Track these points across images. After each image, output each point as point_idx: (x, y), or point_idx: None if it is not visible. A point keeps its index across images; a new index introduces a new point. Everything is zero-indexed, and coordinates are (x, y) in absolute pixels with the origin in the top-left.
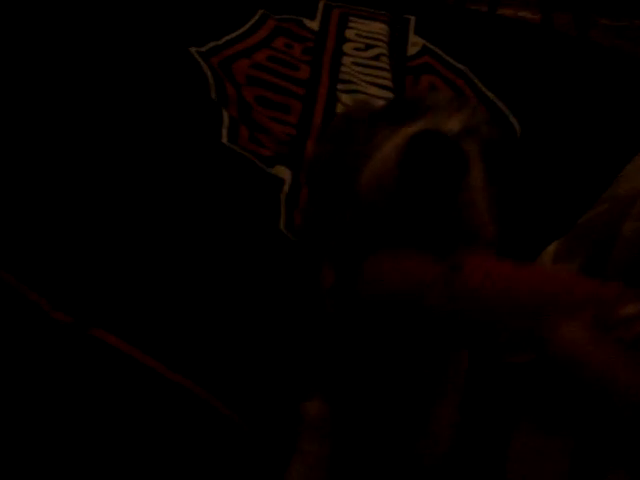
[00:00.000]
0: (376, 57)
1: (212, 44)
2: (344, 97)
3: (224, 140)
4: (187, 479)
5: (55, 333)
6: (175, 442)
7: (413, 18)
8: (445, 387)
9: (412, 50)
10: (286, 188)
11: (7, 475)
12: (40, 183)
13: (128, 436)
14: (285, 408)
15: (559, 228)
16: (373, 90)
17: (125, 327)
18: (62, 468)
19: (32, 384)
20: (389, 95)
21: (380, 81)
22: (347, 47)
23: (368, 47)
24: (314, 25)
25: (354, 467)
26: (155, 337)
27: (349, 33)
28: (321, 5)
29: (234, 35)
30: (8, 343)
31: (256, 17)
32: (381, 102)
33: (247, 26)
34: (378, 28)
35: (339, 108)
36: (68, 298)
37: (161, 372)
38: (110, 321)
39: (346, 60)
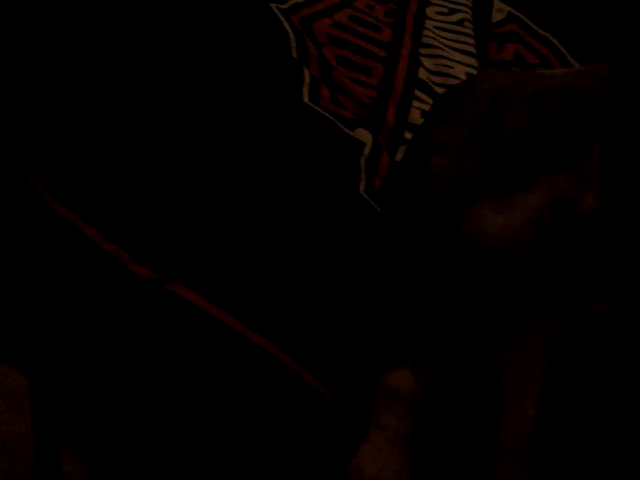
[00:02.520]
0: (460, 22)
1: (293, 1)
2: (426, 61)
3: (305, 99)
4: (262, 446)
5: (133, 287)
6: (252, 407)
7: None
8: (527, 364)
9: (497, 17)
10: (366, 151)
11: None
12: (125, 136)
13: (204, 397)
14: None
15: None
16: (456, 56)
17: (207, 284)
18: (137, 425)
19: (107, 339)
20: (472, 61)
21: (463, 47)
22: (430, 10)
23: (452, 11)
24: None
25: (435, 449)
26: (238, 296)
27: None
28: None
29: None
30: (83, 295)
31: None
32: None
33: None
34: None
35: (421, 72)
36: (148, 251)
37: (242, 332)
38: (191, 277)
39: (429, 24)
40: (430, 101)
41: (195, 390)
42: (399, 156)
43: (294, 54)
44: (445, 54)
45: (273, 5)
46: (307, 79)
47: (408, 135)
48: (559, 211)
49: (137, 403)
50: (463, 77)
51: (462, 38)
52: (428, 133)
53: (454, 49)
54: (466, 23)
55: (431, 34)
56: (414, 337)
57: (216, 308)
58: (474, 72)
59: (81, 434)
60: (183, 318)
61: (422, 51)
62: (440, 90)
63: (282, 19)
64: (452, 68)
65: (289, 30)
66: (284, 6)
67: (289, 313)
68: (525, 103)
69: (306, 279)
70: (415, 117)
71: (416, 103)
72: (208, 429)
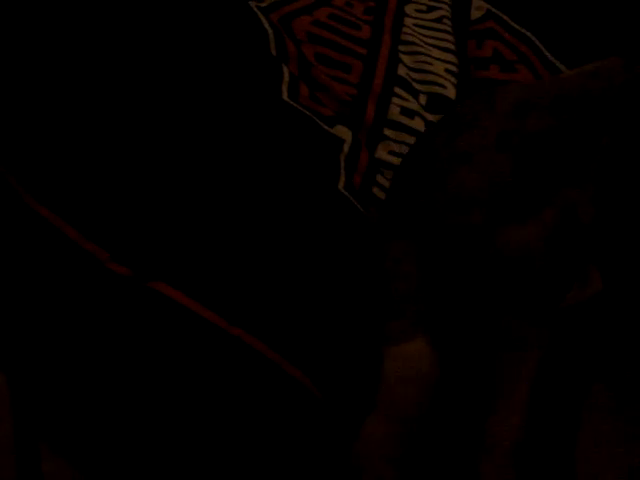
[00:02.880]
0: (439, 19)
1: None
2: (406, 58)
3: (285, 97)
4: (246, 442)
5: (113, 285)
6: (235, 402)
7: None
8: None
9: (476, 14)
10: (346, 148)
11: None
12: (101, 136)
13: (187, 393)
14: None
15: None
16: (436, 53)
17: (186, 280)
18: (117, 423)
19: (87, 336)
20: (451, 58)
21: (442, 44)
22: (409, 8)
23: (431, 9)
24: None
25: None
26: (217, 292)
27: None
28: None
29: None
30: (62, 293)
31: None
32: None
33: None
34: None
35: (401, 69)
36: (127, 249)
37: (223, 327)
38: (170, 274)
39: (408, 21)
40: (410, 98)
41: (177, 386)
42: (379, 152)
43: (273, 52)
44: (424, 51)
45: (252, 3)
46: (286, 77)
47: (387, 132)
48: (564, 219)
49: (118, 401)
50: (442, 74)
51: (441, 35)
52: (450, 142)
53: (433, 46)
54: (445, 20)
55: (410, 31)
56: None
57: (195, 303)
58: (453, 69)
59: (61, 433)
60: (163, 314)
61: (401, 48)
62: (419, 87)
63: (261, 17)
64: (431, 65)
65: (268, 28)
66: (263, 4)
67: (270, 306)
68: (548, 110)
69: (287, 273)
70: (394, 113)
71: (395, 100)
72: (191, 425)
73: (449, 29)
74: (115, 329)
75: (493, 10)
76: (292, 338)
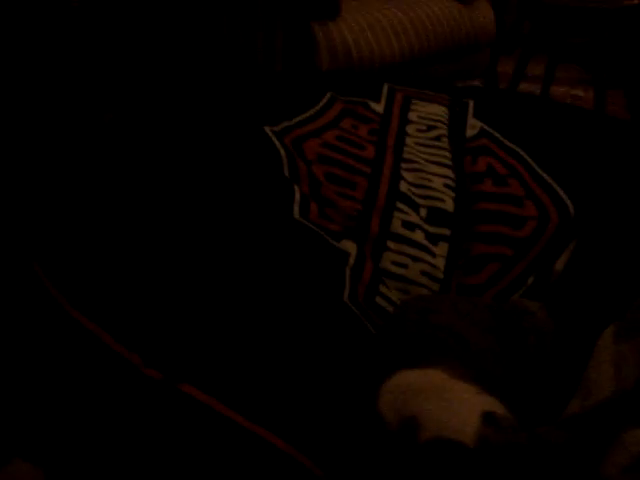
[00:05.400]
0: (437, 138)
1: (285, 124)
2: (407, 175)
3: (296, 215)
4: None
5: (146, 388)
6: None
7: (472, 102)
8: None
9: (470, 132)
10: (351, 261)
11: None
12: (131, 247)
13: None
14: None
15: (619, 309)
16: (435, 169)
17: (209, 381)
18: None
19: (125, 436)
20: (449, 173)
21: (441, 160)
22: (410, 128)
23: (430, 128)
24: (379, 107)
25: None
26: (237, 390)
27: (412, 115)
28: (385, 89)
29: (305, 116)
30: (101, 397)
31: (325, 100)
32: None
33: (317, 108)
34: (439, 110)
35: (402, 185)
36: (158, 355)
37: (241, 423)
38: (197, 376)
39: (409, 140)
40: (411, 211)
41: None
42: (382, 263)
43: (286, 172)
44: (424, 168)
45: (267, 128)
46: (297, 196)
47: (390, 244)
48: None
49: None
50: (441, 188)
51: (440, 152)
52: None
53: (433, 162)
54: (443, 139)
55: (411, 149)
56: None
57: (219, 403)
58: (451, 183)
59: None
60: (191, 412)
61: (403, 166)
62: (420, 201)
63: (275, 141)
64: (431, 181)
65: (281, 150)
66: (277, 128)
67: (279, 405)
68: None
69: (298, 376)
70: (397, 226)
71: (397, 214)
72: None
73: (447, 146)
74: (149, 427)
75: (486, 128)
76: (305, 433)
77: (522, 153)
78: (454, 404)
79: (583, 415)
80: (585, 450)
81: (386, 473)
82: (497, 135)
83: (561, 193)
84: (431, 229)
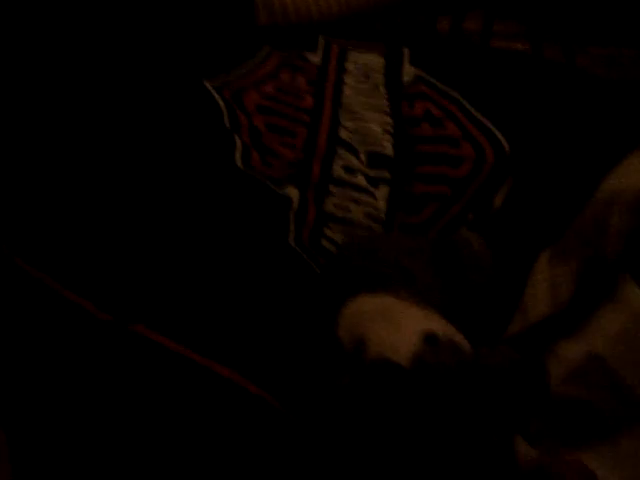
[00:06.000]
0: (374, 86)
1: (224, 77)
2: (346, 122)
3: (238, 163)
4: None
5: (101, 332)
6: (210, 425)
7: (407, 50)
8: None
9: (407, 79)
10: (295, 206)
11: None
12: (79, 196)
13: (164, 420)
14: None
15: (553, 237)
16: (373, 116)
17: (162, 322)
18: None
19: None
20: (387, 119)
21: (378, 106)
22: (347, 78)
23: (366, 77)
24: (316, 59)
25: None
26: (190, 329)
27: (349, 65)
28: (322, 40)
29: (244, 69)
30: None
31: (262, 53)
32: None
33: (255, 61)
34: (375, 59)
35: (342, 132)
36: (110, 299)
37: (194, 359)
38: (150, 318)
39: (347, 89)
40: (351, 157)
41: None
42: (326, 207)
43: (227, 124)
44: (363, 115)
45: (206, 82)
46: (239, 145)
47: (333, 188)
48: None
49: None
50: (380, 134)
51: (377, 100)
52: None
53: (371, 109)
54: (380, 86)
55: (349, 98)
56: None
57: (170, 341)
58: (390, 129)
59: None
60: (147, 354)
61: (342, 114)
62: (360, 147)
63: (215, 94)
64: (370, 127)
65: (220, 102)
66: (215, 83)
67: (232, 341)
68: None
69: (249, 313)
70: (338, 171)
71: (338, 160)
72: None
73: (384, 94)
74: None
75: (422, 74)
76: (256, 363)
77: (458, 96)
78: (399, 325)
79: (522, 334)
80: (524, 366)
81: (340, 394)
82: (433, 80)
83: (497, 133)
84: (372, 173)
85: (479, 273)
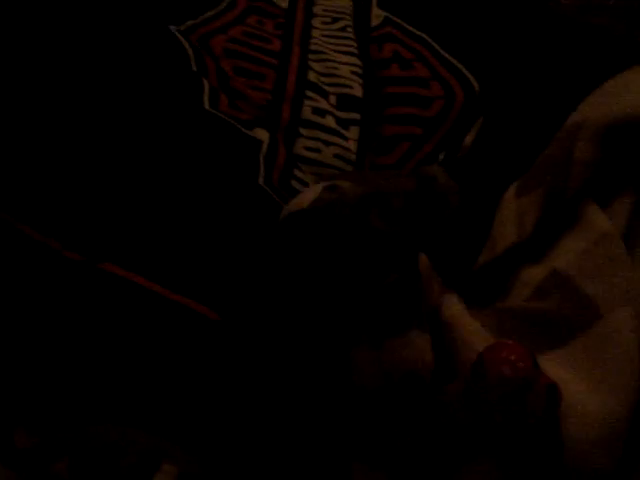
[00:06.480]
0: (342, 29)
1: (190, 23)
2: (315, 65)
3: (206, 106)
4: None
5: (69, 271)
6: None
7: None
8: None
9: (375, 21)
10: (265, 148)
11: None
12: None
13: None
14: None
15: (521, 170)
16: (342, 58)
17: (130, 259)
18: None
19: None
20: (356, 61)
21: (347, 49)
22: (315, 21)
23: (335, 20)
24: (284, 3)
25: None
26: (158, 265)
27: (316, 9)
28: None
29: (210, 14)
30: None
31: None
32: None
33: (221, 6)
34: (343, 2)
35: (311, 75)
36: (77, 238)
37: (166, 295)
38: (118, 255)
39: (315, 33)
40: (320, 99)
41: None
42: (295, 149)
43: (194, 68)
44: (331, 57)
45: (172, 27)
46: (207, 88)
47: (302, 130)
48: None
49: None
50: (349, 76)
51: (346, 42)
52: None
53: (339, 52)
54: (348, 29)
55: (318, 41)
56: None
57: (140, 277)
58: (358, 70)
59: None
60: (117, 291)
61: (310, 56)
62: (329, 89)
63: (181, 38)
64: (339, 69)
65: (187, 47)
66: (182, 27)
67: (198, 275)
68: None
69: (218, 247)
70: (307, 113)
71: (308, 102)
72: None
73: (352, 36)
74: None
75: (390, 17)
76: (227, 302)
77: (427, 38)
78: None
79: (488, 264)
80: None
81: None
82: (401, 22)
83: (466, 73)
84: (341, 114)
85: (446, 205)
